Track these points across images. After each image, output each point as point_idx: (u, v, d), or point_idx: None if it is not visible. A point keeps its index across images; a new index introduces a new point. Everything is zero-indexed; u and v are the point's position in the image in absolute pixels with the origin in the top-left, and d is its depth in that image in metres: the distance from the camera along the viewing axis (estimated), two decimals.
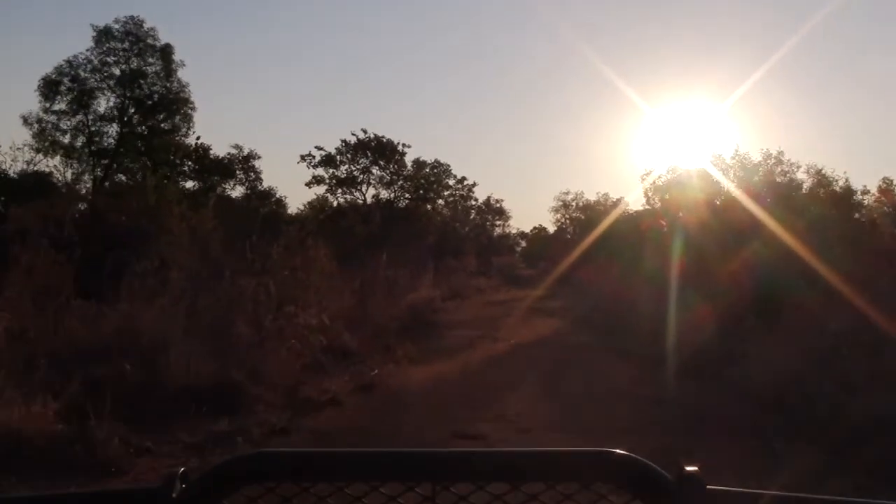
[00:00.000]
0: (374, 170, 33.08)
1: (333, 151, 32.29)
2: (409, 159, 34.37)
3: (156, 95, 17.61)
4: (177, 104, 17.74)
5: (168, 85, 17.48)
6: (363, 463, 0.83)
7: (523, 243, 75.30)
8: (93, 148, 18.24)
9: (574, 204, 58.60)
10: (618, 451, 0.79)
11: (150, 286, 8.52)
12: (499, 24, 68.70)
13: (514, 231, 71.00)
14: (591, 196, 54.21)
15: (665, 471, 0.77)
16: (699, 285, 12.89)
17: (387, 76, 64.30)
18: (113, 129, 17.87)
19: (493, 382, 8.03)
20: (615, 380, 8.34)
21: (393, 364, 8.72)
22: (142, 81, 17.04)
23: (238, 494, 0.79)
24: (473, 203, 56.01)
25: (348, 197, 33.05)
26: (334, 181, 32.28)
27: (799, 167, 19.70)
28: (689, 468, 0.76)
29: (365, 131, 32.22)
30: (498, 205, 58.10)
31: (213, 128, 55.71)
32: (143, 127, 18.30)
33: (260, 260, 9.49)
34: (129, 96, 17.28)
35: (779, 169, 18.74)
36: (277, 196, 29.93)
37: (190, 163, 25.82)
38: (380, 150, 32.51)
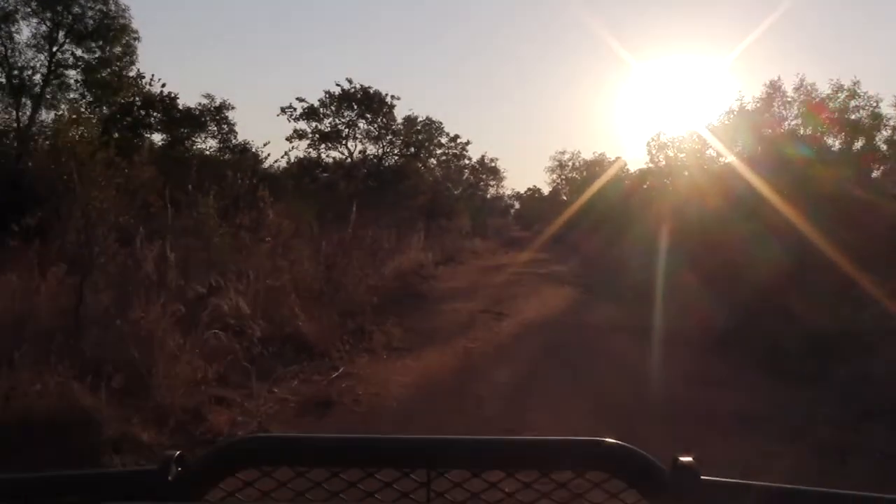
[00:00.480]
0: (361, 123, 30.43)
1: (316, 104, 29.61)
2: (398, 114, 31.73)
3: (90, 21, 14.93)
4: (114, 31, 15.02)
5: (104, 8, 14.79)
6: (358, 448, 0.83)
7: (517, 205, 73.62)
8: (15, 83, 15.51)
9: (570, 164, 57.01)
10: (612, 440, 0.78)
11: (41, 252, 6.21)
12: None
13: (508, 192, 69.18)
14: (587, 156, 52.62)
15: (660, 461, 0.77)
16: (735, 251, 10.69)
17: (377, 32, 61.14)
18: (40, 59, 15.25)
19: (506, 385, 5.73)
20: (672, 376, 6.09)
21: (367, 356, 6.44)
22: (71, 3, 14.34)
23: (234, 478, 0.78)
24: (467, 162, 53.60)
25: (333, 153, 30.48)
26: (317, 136, 29.64)
27: (880, 100, 15.50)
28: (683, 458, 0.75)
29: (350, 81, 29.50)
30: (492, 164, 55.25)
31: (188, 78, 52.07)
32: (76, 57, 15.53)
33: (192, 218, 7.13)
34: (57, 21, 14.61)
35: (853, 103, 15.40)
36: (253, 150, 27.26)
37: (156, 113, 23.16)
38: (366, 103, 29.81)
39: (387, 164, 31.60)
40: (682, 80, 39.65)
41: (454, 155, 54.92)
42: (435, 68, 66.66)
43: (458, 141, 54.65)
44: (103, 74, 17.20)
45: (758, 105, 17.08)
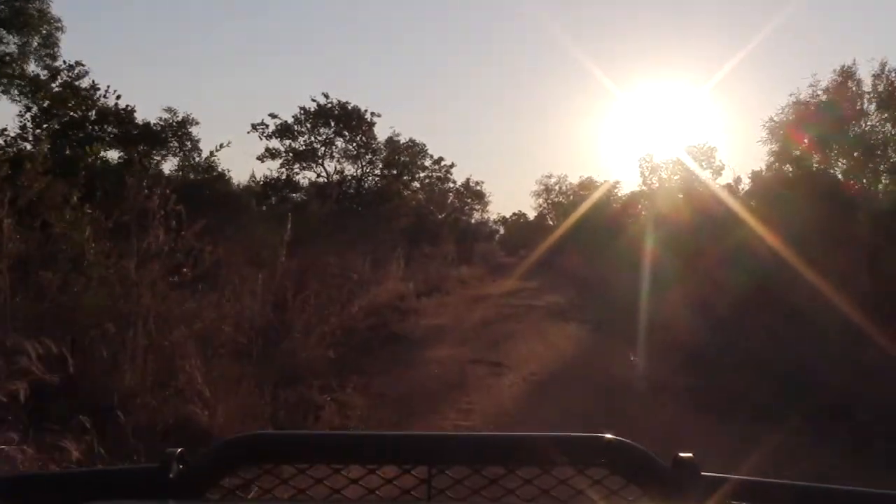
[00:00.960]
0: (339, 142, 28.40)
1: (290, 120, 27.54)
2: (380, 133, 29.77)
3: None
4: (24, 16, 12.81)
5: None
6: (359, 446, 0.83)
7: (501, 230, 72.22)
8: None
9: (557, 188, 55.97)
10: (613, 436, 0.78)
11: None
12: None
13: (493, 217, 67.89)
14: (574, 179, 51.77)
15: (660, 457, 0.77)
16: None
17: (359, 48, 59.44)
18: None
19: None
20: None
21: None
22: None
23: (236, 476, 0.79)
24: (451, 186, 51.79)
25: (308, 174, 28.37)
26: (291, 154, 27.54)
27: None
28: (683, 454, 0.76)
29: (327, 96, 27.49)
30: (477, 187, 53.35)
31: (153, 93, 49.31)
32: None
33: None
34: None
35: None
36: (220, 170, 25.07)
37: (111, 128, 20.94)
38: (344, 119, 27.81)
39: (366, 185, 29.53)
40: (667, 104, 40.24)
41: (438, 178, 53.04)
42: (418, 89, 65.13)
43: (443, 163, 52.79)
44: (55, 86, 15.17)
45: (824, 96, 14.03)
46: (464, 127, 67.69)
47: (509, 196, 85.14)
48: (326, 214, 27.29)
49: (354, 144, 28.56)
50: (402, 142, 41.53)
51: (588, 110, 79.86)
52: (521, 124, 75.13)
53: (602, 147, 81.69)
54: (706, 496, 0.73)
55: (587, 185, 48.59)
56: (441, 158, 50.47)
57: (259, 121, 27.15)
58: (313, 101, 27.50)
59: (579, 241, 33.96)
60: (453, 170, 48.52)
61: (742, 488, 0.75)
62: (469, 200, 54.06)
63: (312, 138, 27.82)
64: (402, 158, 46.62)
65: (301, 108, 27.43)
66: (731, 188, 19.58)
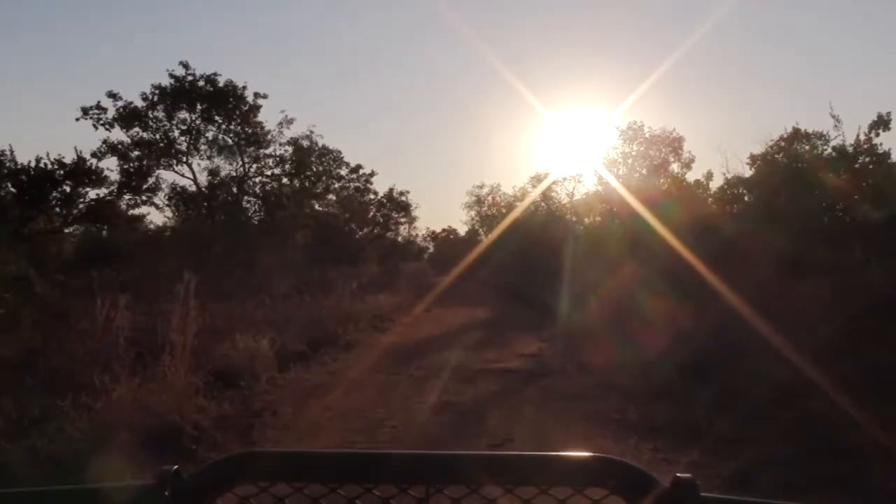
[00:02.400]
0: (209, 131, 21.02)
1: (141, 103, 19.99)
2: (267, 118, 22.55)
3: None
4: None
5: None
6: (357, 464, 0.82)
7: (430, 248, 67.15)
8: None
9: (490, 198, 50.79)
10: (612, 456, 0.79)
11: None
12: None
13: (421, 232, 62.05)
14: (507, 190, 47.48)
15: (659, 477, 0.77)
16: None
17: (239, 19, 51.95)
18: None
19: None
20: None
21: None
22: None
23: (231, 493, 0.79)
24: (372, 198, 44.92)
25: (166, 175, 20.86)
26: (139, 148, 19.95)
27: None
28: (682, 475, 0.75)
29: (186, 67, 20.06)
30: (402, 198, 46.35)
31: None
32: None
33: None
34: None
35: None
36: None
37: None
38: (215, 99, 20.45)
39: (252, 189, 22.16)
40: (591, 119, 40.68)
41: (357, 189, 46.17)
42: (330, 92, 57.93)
43: (361, 172, 46.01)
44: None
45: None
46: (382, 137, 61.21)
47: (438, 211, 78.61)
48: (186, 230, 19.85)
49: (231, 134, 21.21)
50: (314, 147, 35.25)
51: (517, 123, 75.29)
52: (448, 137, 69.35)
53: (532, 161, 77.01)
54: None
55: (519, 197, 44.42)
56: (359, 166, 43.76)
57: (94, 103, 19.50)
58: (171, 76, 20.07)
59: (525, 259, 30.38)
60: (374, 179, 42.06)
61: None
62: (394, 214, 47.26)
63: (170, 125, 20.34)
64: (316, 167, 40.13)
65: (154, 87, 20.09)
66: (700, 185, 18.43)
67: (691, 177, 26.51)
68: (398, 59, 61.26)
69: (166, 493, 0.75)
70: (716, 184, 17.39)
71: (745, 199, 15.61)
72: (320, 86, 56.87)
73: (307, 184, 35.05)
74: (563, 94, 54.95)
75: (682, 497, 0.74)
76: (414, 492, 0.80)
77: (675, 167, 32.51)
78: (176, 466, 0.78)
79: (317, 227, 30.50)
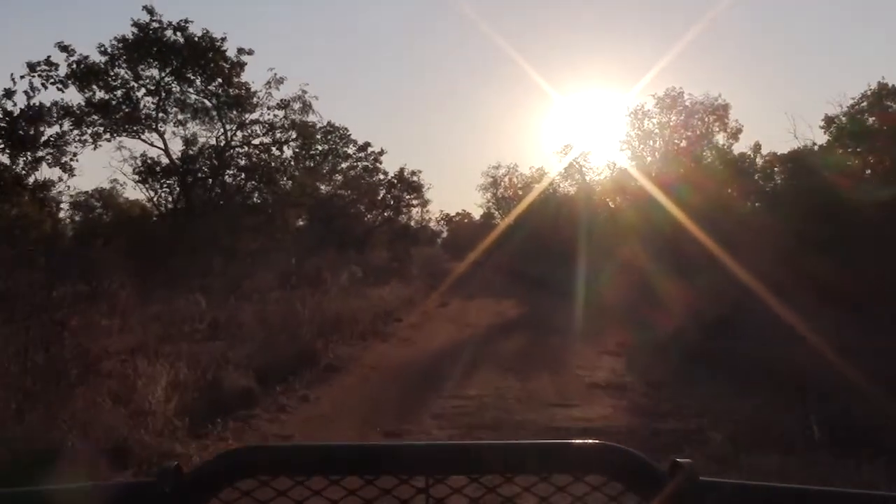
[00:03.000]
0: (179, 90, 17.67)
1: (100, 58, 16.68)
2: (254, 78, 19.23)
3: None
4: None
5: None
6: (357, 456, 0.81)
7: (444, 232, 64.49)
8: None
9: (507, 180, 47.71)
10: (610, 443, 0.79)
11: None
12: None
13: (434, 216, 59.05)
14: (525, 171, 44.54)
15: (658, 463, 0.78)
16: None
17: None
18: None
19: None
20: None
21: None
22: None
23: (233, 488, 0.78)
24: (382, 178, 41.57)
25: (133, 144, 17.66)
26: (96, 111, 16.63)
27: None
28: (680, 460, 0.77)
29: (151, 12, 16.65)
30: (414, 178, 42.88)
31: None
32: None
33: None
34: None
35: None
36: None
37: None
38: (190, 54, 17.09)
39: (235, 161, 18.81)
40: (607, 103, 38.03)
41: (365, 168, 42.76)
42: (341, 72, 54.65)
43: (370, 150, 42.59)
44: None
45: None
46: (396, 118, 58.04)
47: (451, 195, 75.34)
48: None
49: (210, 95, 17.86)
50: (318, 125, 32.22)
51: (531, 107, 72.13)
52: (462, 119, 66.11)
53: (551, 141, 74.19)
54: (703, 501, 0.75)
55: (537, 178, 41.56)
56: (367, 144, 40.53)
57: (43, 57, 16.20)
58: (133, 25, 16.71)
59: (550, 244, 27.47)
60: (384, 159, 38.86)
61: (739, 492, 0.78)
62: (405, 196, 43.89)
63: (135, 85, 17.02)
64: (320, 146, 37.26)
65: (116, 38, 16.82)
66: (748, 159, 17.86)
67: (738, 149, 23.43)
68: (410, 39, 57.99)
69: (167, 490, 0.74)
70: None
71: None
72: (329, 63, 53.58)
73: (311, 163, 31.92)
74: (587, 69, 52.00)
75: (679, 482, 0.74)
76: (414, 482, 0.78)
77: (720, 138, 28.89)
78: (176, 463, 0.76)
79: (317, 206, 27.24)
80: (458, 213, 63.04)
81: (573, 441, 0.81)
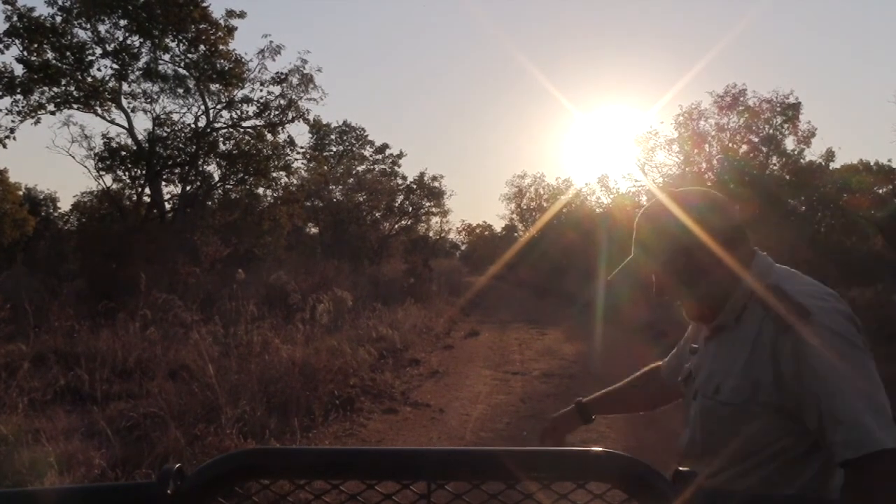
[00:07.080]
0: (150, 54, 14.11)
1: (47, 10, 13.19)
2: (243, 44, 15.69)
3: None
4: None
5: None
6: (358, 461, 0.80)
7: (463, 244, 61.49)
8: None
9: (533, 189, 44.45)
10: (614, 451, 0.77)
11: None
12: None
13: (455, 226, 55.79)
14: (552, 181, 42.89)
15: (661, 471, 0.76)
16: None
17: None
18: None
19: None
20: None
21: None
22: None
23: (234, 491, 0.78)
24: (400, 182, 38.08)
25: (92, 122, 14.14)
26: (42, 79, 13.13)
27: None
28: (683, 468, 0.75)
29: None
30: (435, 183, 39.30)
31: None
32: None
33: None
34: None
35: None
36: None
37: None
38: (158, 5, 13.54)
39: (218, 143, 15.17)
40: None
41: (382, 171, 39.12)
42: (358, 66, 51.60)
43: (388, 152, 38.98)
44: None
45: None
46: (418, 127, 55.15)
47: (471, 207, 71.90)
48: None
49: (182, 55, 14.28)
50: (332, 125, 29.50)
51: (554, 119, 69.28)
52: (485, 129, 63.28)
53: (572, 155, 71.54)
54: None
55: (563, 189, 38.56)
56: (385, 145, 37.04)
57: None
58: None
59: (580, 258, 24.69)
60: (402, 162, 35.47)
61: (743, 502, 0.77)
62: (425, 202, 40.23)
63: (95, 49, 13.49)
64: (334, 147, 34.27)
65: None
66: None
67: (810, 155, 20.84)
68: (433, 47, 55.28)
69: (168, 492, 0.74)
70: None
71: None
72: (350, 65, 50.71)
73: (326, 166, 28.65)
74: (613, 82, 49.16)
75: (683, 489, 0.73)
76: (416, 487, 0.77)
77: (789, 142, 24.76)
78: (178, 465, 0.76)
79: (325, 210, 23.60)
80: (478, 225, 59.87)
81: (575, 448, 0.79)
